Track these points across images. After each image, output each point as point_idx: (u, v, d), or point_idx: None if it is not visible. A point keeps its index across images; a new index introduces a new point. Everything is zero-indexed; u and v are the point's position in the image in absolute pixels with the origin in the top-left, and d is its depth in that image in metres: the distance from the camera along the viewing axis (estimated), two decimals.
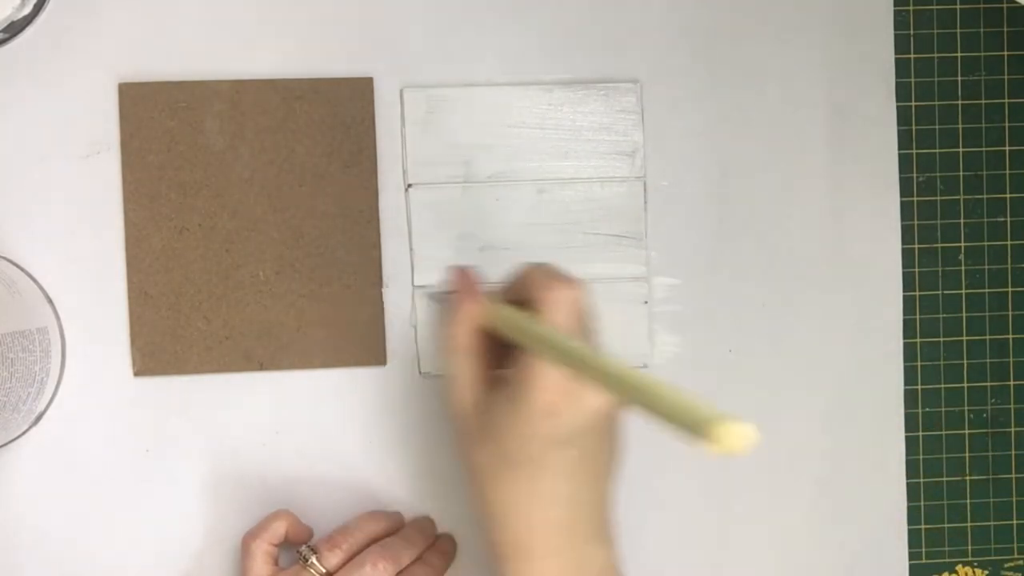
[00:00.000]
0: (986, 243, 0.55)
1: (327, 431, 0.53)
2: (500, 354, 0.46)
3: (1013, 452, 0.55)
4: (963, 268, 0.55)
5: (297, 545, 0.49)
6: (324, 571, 0.48)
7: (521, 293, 0.45)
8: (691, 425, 0.34)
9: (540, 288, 0.44)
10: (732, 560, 0.55)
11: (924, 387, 0.55)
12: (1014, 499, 0.55)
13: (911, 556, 0.55)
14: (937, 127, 0.55)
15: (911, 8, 0.54)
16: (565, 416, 0.42)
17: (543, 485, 0.44)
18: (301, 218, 0.52)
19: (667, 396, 0.35)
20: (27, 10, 0.50)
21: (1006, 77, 0.55)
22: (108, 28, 0.52)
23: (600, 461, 0.45)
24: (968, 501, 0.55)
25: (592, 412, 0.42)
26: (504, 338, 0.45)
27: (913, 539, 0.55)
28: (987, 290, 0.55)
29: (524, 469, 0.43)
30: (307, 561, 0.48)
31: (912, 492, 0.55)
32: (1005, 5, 0.54)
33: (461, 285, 0.47)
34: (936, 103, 0.55)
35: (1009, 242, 0.55)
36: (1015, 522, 0.55)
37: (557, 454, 0.43)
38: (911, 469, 0.55)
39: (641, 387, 0.37)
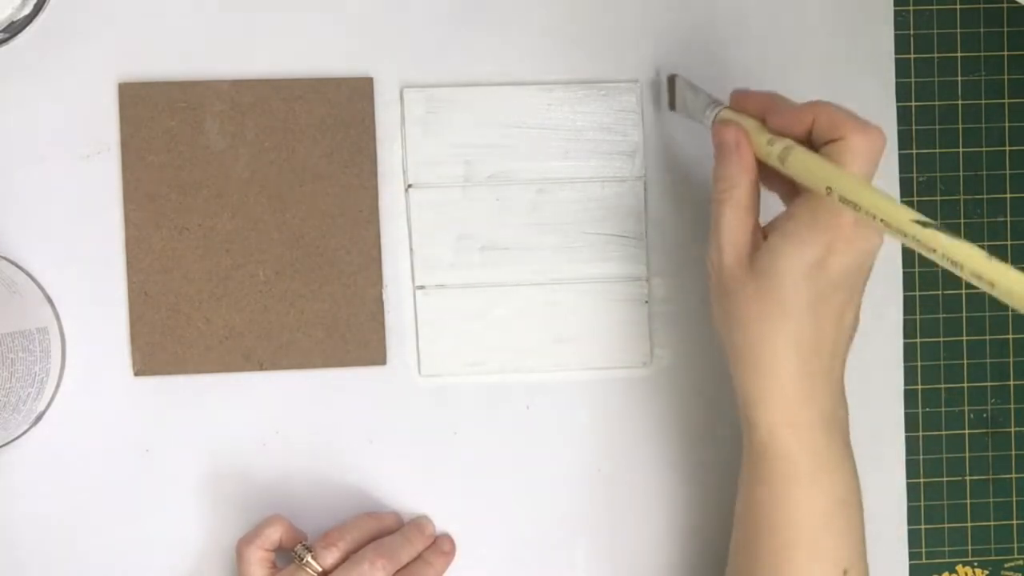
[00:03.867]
0: (986, 243, 0.55)
1: (327, 431, 0.53)
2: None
3: (1013, 452, 0.55)
4: None
5: (292, 549, 0.49)
6: (320, 570, 0.48)
7: (811, 125, 0.44)
8: None
9: (852, 130, 0.42)
10: None
11: (924, 387, 0.55)
12: (1014, 499, 0.55)
13: (911, 556, 0.55)
14: (937, 127, 0.55)
15: (911, 8, 0.54)
16: (846, 261, 0.43)
17: (806, 329, 0.44)
18: (301, 218, 0.52)
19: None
20: (27, 10, 0.50)
21: (1006, 77, 0.55)
22: (108, 28, 0.52)
23: (856, 309, 0.45)
24: (968, 501, 0.55)
25: (866, 252, 0.43)
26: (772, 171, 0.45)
27: (913, 539, 0.55)
28: None
29: (790, 312, 0.43)
30: (302, 560, 0.48)
31: (912, 492, 0.55)
32: (1005, 5, 0.54)
33: (732, 141, 0.46)
34: (936, 103, 0.54)
35: (1009, 242, 0.55)
36: (1015, 522, 0.55)
37: (829, 298, 0.44)
38: (911, 469, 0.55)
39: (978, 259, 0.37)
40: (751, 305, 0.44)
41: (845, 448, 0.46)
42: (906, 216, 0.39)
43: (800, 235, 0.43)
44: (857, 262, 0.44)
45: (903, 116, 0.54)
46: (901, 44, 0.54)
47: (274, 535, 0.49)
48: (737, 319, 0.45)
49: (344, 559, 0.49)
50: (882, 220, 0.40)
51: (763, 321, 0.44)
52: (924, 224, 0.39)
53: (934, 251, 0.38)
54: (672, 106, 0.53)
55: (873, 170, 0.43)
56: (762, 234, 0.46)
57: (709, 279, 0.47)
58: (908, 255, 0.55)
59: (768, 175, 0.46)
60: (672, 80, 0.53)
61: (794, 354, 0.44)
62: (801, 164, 0.43)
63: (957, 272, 0.38)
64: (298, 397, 0.53)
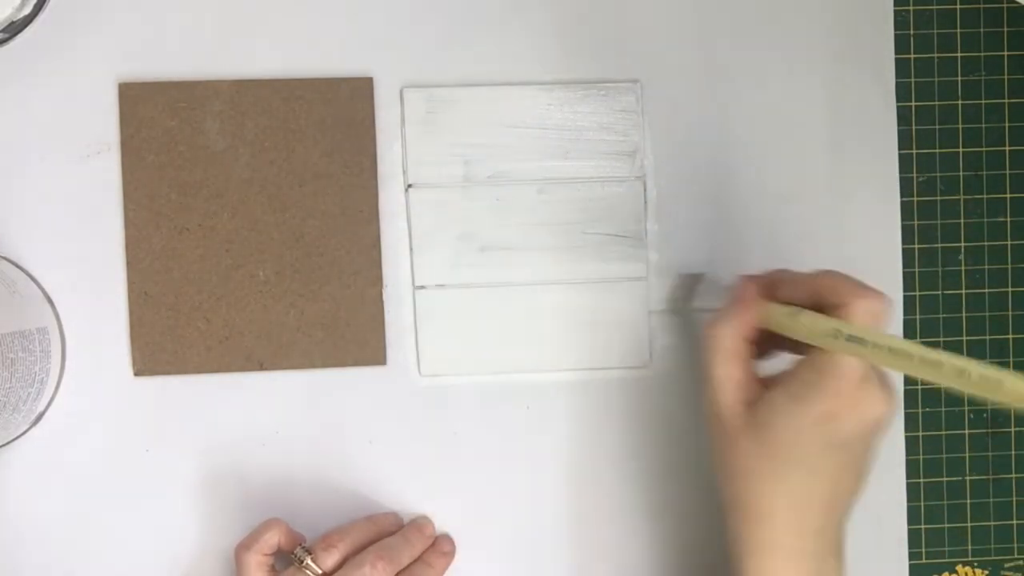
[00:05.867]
0: (986, 243, 0.55)
1: (327, 431, 0.53)
2: (761, 348, 0.47)
3: (1013, 452, 0.55)
4: (963, 268, 0.55)
5: (291, 552, 0.49)
6: (320, 572, 0.48)
7: (813, 295, 0.45)
8: None
9: (850, 293, 0.43)
10: None
11: (924, 387, 0.55)
12: (1014, 499, 0.55)
13: (911, 556, 0.55)
14: (937, 127, 0.55)
15: (911, 8, 0.54)
16: (846, 420, 0.43)
17: (806, 486, 0.44)
18: (301, 218, 0.52)
19: None
20: (27, 10, 0.50)
21: (1006, 77, 0.55)
22: (108, 28, 0.52)
23: (859, 467, 0.45)
24: (968, 501, 0.55)
25: (872, 420, 0.43)
26: (770, 334, 0.46)
27: (913, 539, 0.55)
28: (987, 290, 0.55)
29: (792, 469, 0.44)
30: (302, 563, 0.48)
31: (912, 492, 0.55)
32: (1005, 5, 0.54)
33: (743, 292, 0.47)
34: (936, 103, 0.54)
35: (1009, 242, 0.55)
36: (1015, 522, 0.55)
37: (828, 457, 0.44)
38: (911, 469, 0.55)
39: None
40: (748, 457, 0.45)
41: None
42: (915, 349, 0.40)
43: (803, 395, 0.43)
44: (860, 429, 0.44)
45: (903, 116, 0.54)
46: (901, 44, 0.54)
47: (272, 539, 0.49)
48: (734, 468, 0.45)
49: (344, 561, 0.48)
50: (890, 350, 0.41)
51: (759, 474, 0.44)
52: (932, 350, 0.40)
53: (966, 374, 0.39)
54: (678, 303, 0.53)
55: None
56: (763, 385, 0.46)
57: (708, 422, 0.47)
58: (908, 255, 0.55)
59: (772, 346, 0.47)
60: (695, 278, 0.53)
61: (787, 510, 0.44)
62: (809, 320, 0.44)
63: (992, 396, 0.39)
64: (298, 397, 0.53)
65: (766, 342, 0.47)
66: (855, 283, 0.44)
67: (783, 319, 0.45)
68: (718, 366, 0.46)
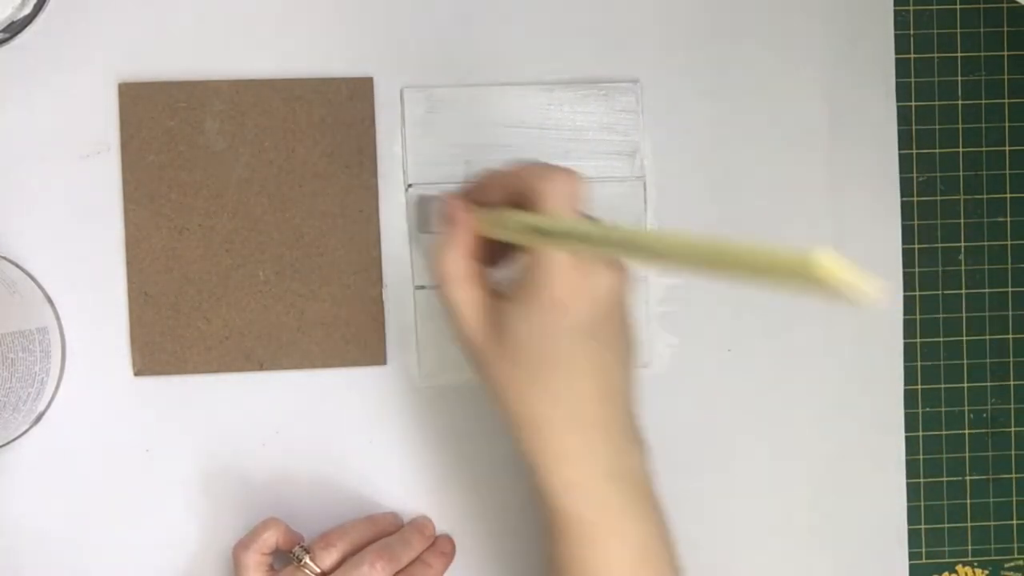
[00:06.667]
0: (986, 243, 0.55)
1: (327, 431, 0.53)
2: (495, 259, 0.46)
3: (1013, 452, 0.55)
4: (963, 268, 0.55)
5: (290, 551, 0.49)
6: (318, 571, 0.48)
7: (511, 191, 0.44)
8: (777, 273, 0.32)
9: (537, 179, 0.42)
10: (732, 560, 0.55)
11: (924, 387, 0.55)
12: (1014, 499, 0.55)
13: (911, 556, 0.55)
14: (937, 127, 0.55)
15: (911, 8, 0.54)
16: (576, 307, 0.42)
17: (566, 384, 0.43)
18: (301, 218, 0.52)
19: (736, 251, 0.34)
20: (27, 10, 0.50)
21: (1006, 77, 0.55)
22: (108, 28, 0.52)
23: (617, 351, 0.44)
24: (968, 501, 0.55)
25: (603, 298, 0.42)
26: (500, 242, 0.44)
27: (913, 539, 0.55)
28: (987, 290, 0.55)
29: (545, 371, 0.43)
30: (300, 561, 0.48)
31: (912, 492, 0.55)
32: (1005, 5, 0.54)
33: (449, 213, 0.45)
34: (936, 103, 0.55)
35: (1009, 242, 0.55)
36: (1015, 522, 0.55)
37: (579, 350, 0.43)
38: (911, 469, 0.55)
39: (703, 250, 0.36)
40: (504, 372, 0.43)
41: (640, 495, 0.45)
42: (595, 229, 0.40)
43: (529, 296, 0.42)
44: (596, 311, 0.42)
45: (903, 116, 0.54)
46: (901, 44, 0.54)
47: (271, 538, 0.49)
48: (497, 387, 0.44)
49: (343, 560, 0.48)
50: (575, 236, 0.40)
51: (520, 387, 0.43)
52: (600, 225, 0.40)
53: (657, 254, 0.38)
54: (422, 228, 0.52)
55: (573, 208, 0.43)
56: (503, 297, 0.44)
57: (461, 349, 0.46)
58: (908, 255, 0.55)
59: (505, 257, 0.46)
60: (423, 200, 0.52)
61: (559, 414, 0.43)
62: (509, 220, 0.43)
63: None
64: (298, 397, 0.53)
65: (506, 252, 0.45)
66: (541, 168, 0.43)
67: (493, 227, 0.44)
68: (451, 292, 0.44)
